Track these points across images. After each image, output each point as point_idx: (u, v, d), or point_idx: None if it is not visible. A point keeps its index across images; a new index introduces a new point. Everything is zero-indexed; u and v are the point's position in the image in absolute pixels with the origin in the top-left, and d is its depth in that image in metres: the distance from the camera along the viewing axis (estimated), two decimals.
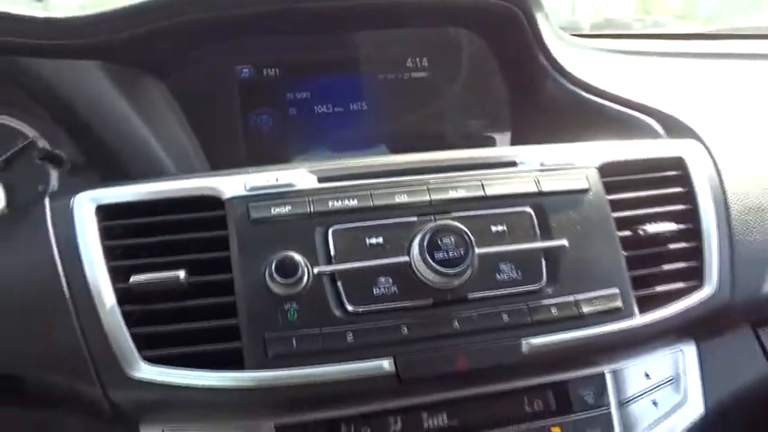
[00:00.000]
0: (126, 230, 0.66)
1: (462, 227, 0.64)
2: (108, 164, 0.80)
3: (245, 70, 0.92)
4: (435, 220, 0.66)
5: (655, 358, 0.75)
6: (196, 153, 0.86)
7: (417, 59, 0.96)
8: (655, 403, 0.74)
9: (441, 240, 0.63)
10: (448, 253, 0.63)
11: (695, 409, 0.75)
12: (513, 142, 0.96)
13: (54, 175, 0.84)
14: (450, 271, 0.63)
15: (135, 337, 0.61)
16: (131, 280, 0.62)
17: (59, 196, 0.67)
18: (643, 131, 0.86)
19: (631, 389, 0.73)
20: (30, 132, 0.85)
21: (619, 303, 0.68)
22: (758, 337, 0.81)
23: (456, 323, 0.65)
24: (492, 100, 0.95)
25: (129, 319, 0.62)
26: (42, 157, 0.80)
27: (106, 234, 0.65)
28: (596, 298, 0.68)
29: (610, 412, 0.72)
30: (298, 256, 0.62)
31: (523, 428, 0.69)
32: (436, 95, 0.95)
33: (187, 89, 0.88)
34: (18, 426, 0.68)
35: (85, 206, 0.65)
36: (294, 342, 0.62)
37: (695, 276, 0.73)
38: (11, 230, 0.68)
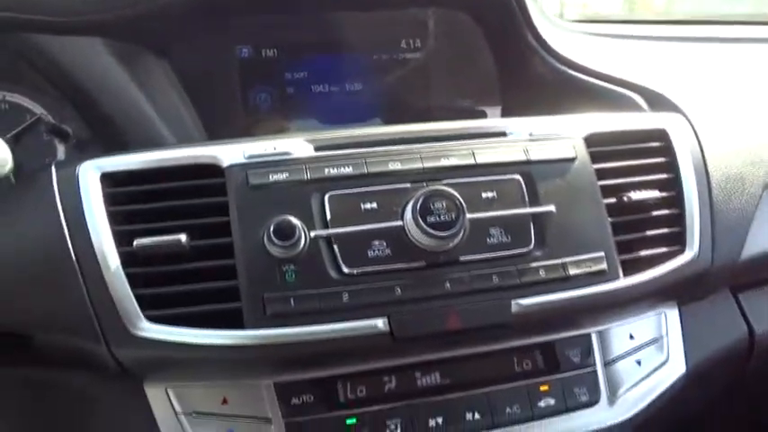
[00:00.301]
0: (129, 197, 0.68)
1: (454, 192, 0.67)
2: (111, 138, 0.83)
3: (244, 50, 0.95)
4: (428, 186, 0.69)
5: (638, 320, 0.78)
6: (196, 128, 0.89)
7: (411, 40, 0.99)
8: (638, 363, 0.77)
9: (433, 205, 0.66)
10: (440, 217, 0.66)
11: (677, 368, 0.79)
12: (503, 117, 0.99)
13: (61, 150, 0.87)
14: (442, 234, 0.66)
15: (138, 298, 0.64)
16: (135, 243, 0.65)
17: (65, 165, 0.70)
18: (628, 106, 0.89)
19: (616, 349, 0.77)
20: (37, 110, 0.88)
21: (604, 266, 0.71)
22: (738, 302, 0.85)
23: (448, 284, 0.68)
24: (482, 77, 0.98)
25: (133, 281, 0.64)
26: (49, 131, 0.83)
27: (110, 200, 0.67)
28: (582, 261, 0.71)
29: (596, 371, 0.75)
30: (295, 220, 0.65)
31: (513, 387, 0.72)
32: (429, 74, 0.98)
33: (188, 67, 0.90)
34: (25, 386, 0.70)
35: (90, 174, 0.68)
36: (292, 302, 0.65)
37: (677, 241, 0.76)
38: (19, 198, 0.71)
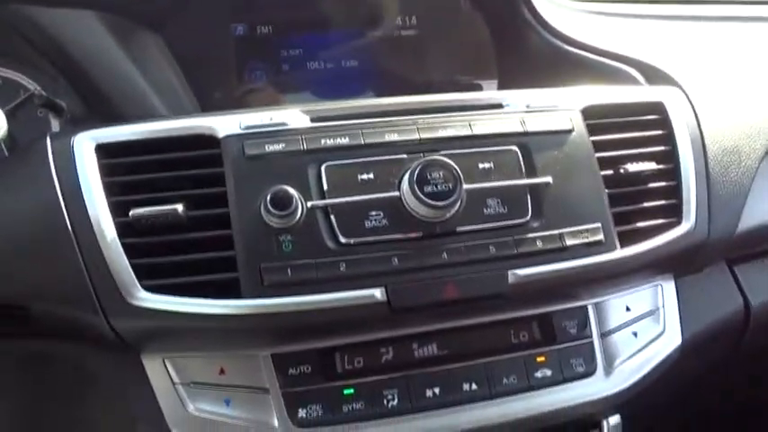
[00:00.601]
0: (125, 168, 0.68)
1: (451, 162, 0.67)
2: (105, 113, 0.82)
3: (239, 28, 0.94)
4: (425, 156, 0.69)
5: (635, 292, 0.79)
6: (191, 104, 0.88)
7: (407, 17, 0.99)
8: (635, 334, 0.77)
9: (430, 175, 0.66)
10: (437, 186, 0.66)
11: (673, 340, 0.79)
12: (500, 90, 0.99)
13: (55, 125, 0.86)
14: (439, 203, 0.66)
15: (135, 268, 0.64)
16: (131, 213, 0.65)
17: (60, 136, 0.69)
18: (625, 81, 0.89)
19: (613, 321, 0.77)
20: (31, 85, 0.87)
21: (601, 237, 0.71)
22: (734, 274, 0.85)
23: (445, 254, 0.68)
24: (478, 52, 0.98)
25: (130, 251, 0.64)
26: (43, 105, 0.83)
27: (106, 172, 0.67)
28: (579, 232, 0.71)
29: (592, 343, 0.75)
30: (292, 190, 0.65)
31: (510, 358, 0.73)
32: (425, 50, 0.98)
33: (182, 44, 0.90)
34: (22, 358, 0.70)
35: (85, 144, 0.67)
36: (289, 271, 0.65)
37: (674, 213, 0.76)
38: (14, 169, 0.70)
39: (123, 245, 0.64)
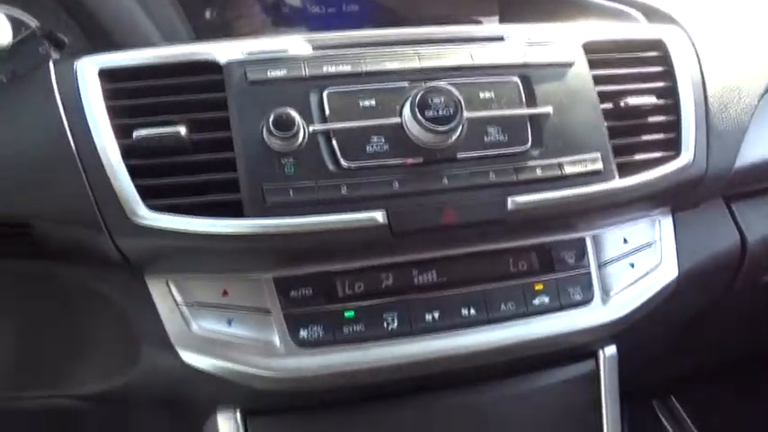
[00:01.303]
0: (128, 93, 0.68)
1: (452, 88, 0.67)
2: (106, 46, 0.82)
3: None
4: (426, 84, 0.69)
5: (632, 225, 0.80)
6: (188, 36, 0.88)
7: None
8: (632, 265, 0.78)
9: (431, 100, 0.66)
10: (438, 111, 0.66)
11: (669, 271, 0.80)
12: None
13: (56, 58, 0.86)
14: (440, 128, 0.66)
15: (139, 188, 0.64)
16: (134, 135, 0.65)
17: (62, 62, 0.70)
18: (625, 20, 0.89)
19: (610, 253, 0.78)
20: (31, 22, 0.87)
21: (599, 166, 0.72)
22: (731, 211, 0.86)
23: (445, 180, 0.68)
24: None
25: (134, 172, 0.65)
26: (45, 37, 0.83)
27: (109, 96, 0.67)
28: (578, 161, 0.72)
29: (589, 272, 0.76)
30: (294, 113, 0.65)
31: (508, 285, 0.74)
32: None
33: None
34: (25, 279, 0.71)
35: (88, 69, 0.68)
36: (291, 192, 0.65)
37: (672, 147, 0.77)
38: (17, 94, 0.71)
39: (127, 166, 0.65)
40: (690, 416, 1.70)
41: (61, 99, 0.67)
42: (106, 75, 0.68)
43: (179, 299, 0.68)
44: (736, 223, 0.86)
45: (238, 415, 0.73)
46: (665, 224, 0.82)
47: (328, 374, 0.69)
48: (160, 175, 0.66)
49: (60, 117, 0.66)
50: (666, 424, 1.69)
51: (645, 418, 1.68)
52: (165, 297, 0.68)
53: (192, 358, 0.68)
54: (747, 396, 1.61)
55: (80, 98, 0.66)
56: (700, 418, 1.68)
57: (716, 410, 1.68)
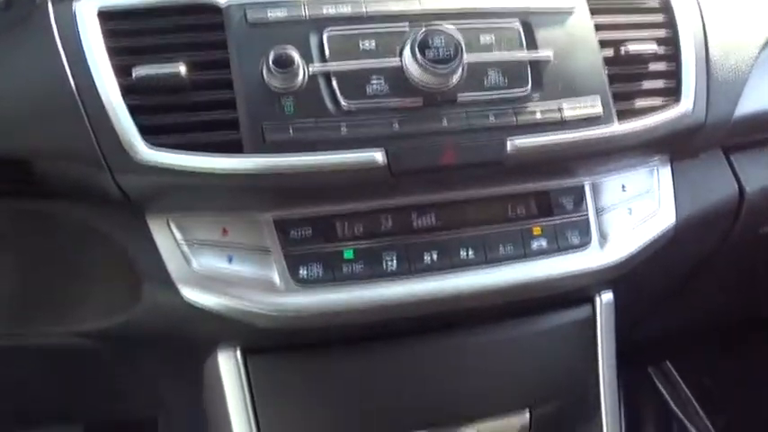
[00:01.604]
0: (127, 33, 0.68)
1: (453, 30, 0.67)
2: None
3: None
4: (426, 26, 0.69)
5: (631, 173, 0.80)
6: None
7: None
8: (630, 211, 0.79)
9: (431, 41, 0.66)
10: (438, 53, 0.66)
11: (667, 218, 0.81)
12: None
13: None
14: (440, 69, 0.66)
15: (139, 126, 0.65)
16: (134, 74, 0.65)
17: (60, 2, 0.69)
18: None
19: (608, 199, 0.79)
20: None
21: (599, 110, 0.72)
22: (729, 161, 0.87)
23: (445, 121, 0.69)
24: None
25: (134, 111, 0.65)
26: None
27: (109, 35, 0.67)
28: (578, 105, 0.72)
29: (587, 218, 0.77)
30: (294, 52, 0.65)
31: (507, 229, 0.74)
32: None
33: None
34: (25, 218, 0.72)
35: (87, 9, 0.67)
36: (291, 130, 0.66)
37: (672, 94, 0.77)
38: (15, 36, 0.70)
39: (127, 104, 0.65)
40: (684, 380, 1.72)
41: (60, 39, 0.67)
42: (105, 15, 0.68)
43: (179, 237, 0.69)
44: (735, 174, 0.87)
45: (239, 353, 0.74)
46: (664, 173, 0.82)
47: (328, 313, 0.69)
48: (159, 113, 0.66)
49: (60, 57, 0.66)
50: (661, 387, 1.71)
51: (640, 384, 1.71)
52: (166, 235, 0.69)
53: (192, 295, 0.68)
54: (741, 361, 1.63)
55: (79, 38, 0.66)
56: (694, 382, 1.70)
57: (710, 375, 1.70)
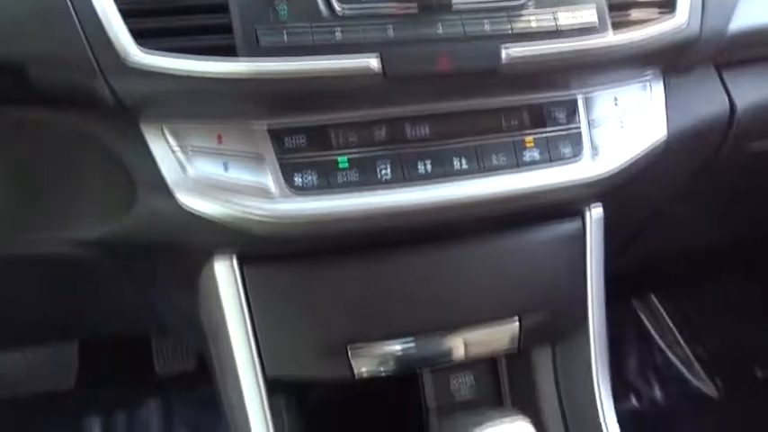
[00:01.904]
0: None
1: None
2: None
3: None
4: None
5: (624, 87, 0.81)
6: None
7: None
8: (622, 125, 0.80)
9: None
10: None
11: (658, 132, 0.82)
12: None
13: None
14: None
15: (132, 30, 0.63)
16: None
17: None
18: None
19: (601, 112, 0.79)
20: None
21: (594, 19, 0.72)
22: (721, 78, 0.87)
23: (440, 28, 0.68)
24: None
25: (126, 14, 0.64)
26: None
27: None
28: (573, 14, 0.72)
29: (580, 130, 0.78)
30: None
31: (500, 140, 0.75)
32: None
33: None
34: (18, 126, 0.71)
35: None
36: (285, 34, 0.65)
37: (668, 6, 0.77)
38: None
39: (119, 9, 0.64)
40: (666, 311, 1.77)
41: None
42: None
43: (173, 144, 0.68)
44: (726, 90, 0.87)
45: (235, 261, 0.74)
46: (656, 88, 0.82)
47: (322, 220, 0.70)
48: (152, 16, 0.64)
49: None
50: (644, 318, 1.76)
51: (624, 315, 1.75)
52: (161, 142, 0.68)
53: (188, 201, 0.68)
54: (722, 292, 1.67)
55: None
56: (676, 313, 1.75)
57: (692, 306, 1.75)
